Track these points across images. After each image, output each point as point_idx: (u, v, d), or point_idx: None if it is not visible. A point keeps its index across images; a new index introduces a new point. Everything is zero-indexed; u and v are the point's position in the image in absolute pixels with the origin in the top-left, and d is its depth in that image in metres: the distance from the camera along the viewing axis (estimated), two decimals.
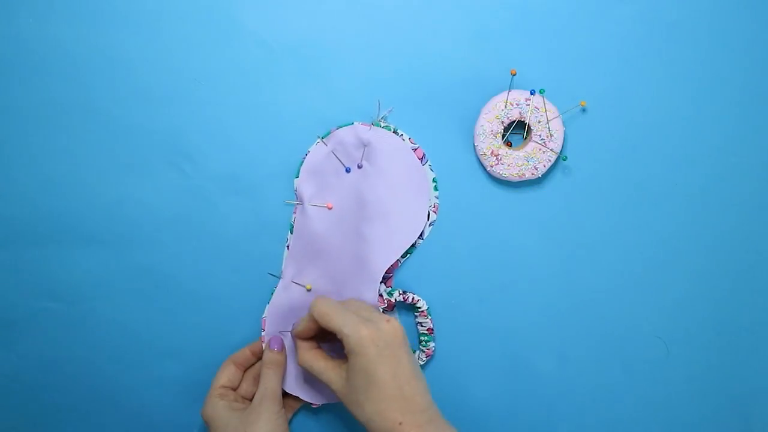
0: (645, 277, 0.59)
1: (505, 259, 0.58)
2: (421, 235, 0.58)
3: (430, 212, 0.58)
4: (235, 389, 0.57)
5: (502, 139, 0.56)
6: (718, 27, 0.56)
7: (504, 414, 0.60)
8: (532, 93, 0.55)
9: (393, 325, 0.50)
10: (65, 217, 0.58)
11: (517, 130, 0.57)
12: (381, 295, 0.56)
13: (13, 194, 0.58)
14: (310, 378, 0.57)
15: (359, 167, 0.56)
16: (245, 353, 0.58)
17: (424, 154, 0.57)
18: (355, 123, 0.56)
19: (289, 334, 0.57)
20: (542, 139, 0.55)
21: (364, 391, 0.48)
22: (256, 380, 0.57)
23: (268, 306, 0.58)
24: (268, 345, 0.56)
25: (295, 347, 0.55)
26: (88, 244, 0.58)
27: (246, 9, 0.56)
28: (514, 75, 0.55)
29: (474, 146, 0.57)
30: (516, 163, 0.56)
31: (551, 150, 0.55)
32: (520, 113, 0.55)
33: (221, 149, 0.58)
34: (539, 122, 0.55)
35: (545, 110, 0.55)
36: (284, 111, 0.57)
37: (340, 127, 0.56)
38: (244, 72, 0.57)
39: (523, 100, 0.55)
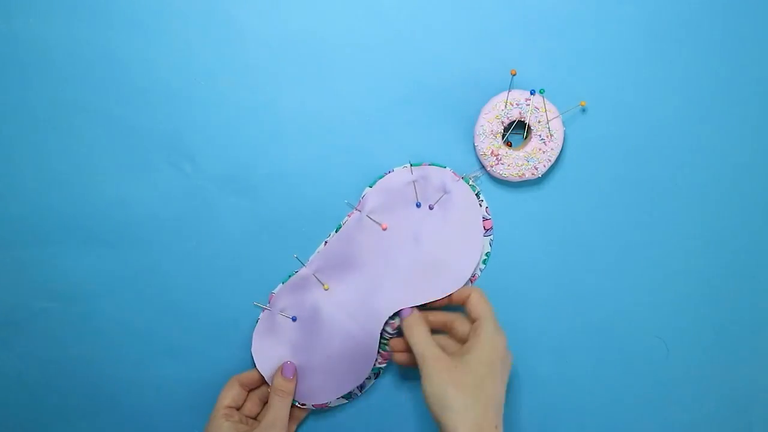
0: (645, 277, 0.59)
1: (505, 259, 0.58)
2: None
3: (469, 280, 0.58)
4: (239, 408, 0.57)
5: (502, 139, 0.56)
6: (718, 27, 0.56)
7: (504, 414, 0.59)
8: (532, 93, 0.55)
9: (504, 338, 0.52)
10: (65, 217, 0.58)
11: (517, 130, 0.57)
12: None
13: (13, 194, 0.58)
14: (321, 382, 0.57)
15: (430, 208, 0.57)
16: (253, 376, 0.57)
17: (491, 228, 0.58)
18: (447, 168, 0.57)
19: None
20: (542, 139, 0.55)
21: (480, 379, 0.48)
22: (261, 400, 0.57)
23: (281, 285, 0.58)
24: (281, 372, 0.56)
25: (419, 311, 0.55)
26: (88, 244, 0.58)
27: (246, 9, 0.56)
28: (514, 75, 0.55)
29: (474, 146, 0.57)
30: (516, 163, 0.56)
31: (552, 150, 0.56)
32: (520, 113, 0.55)
33: (221, 149, 0.58)
34: (539, 122, 0.55)
35: (545, 110, 0.55)
36: (284, 111, 0.57)
37: (433, 164, 0.57)
38: (244, 72, 0.57)
39: (523, 100, 0.55)
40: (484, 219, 0.58)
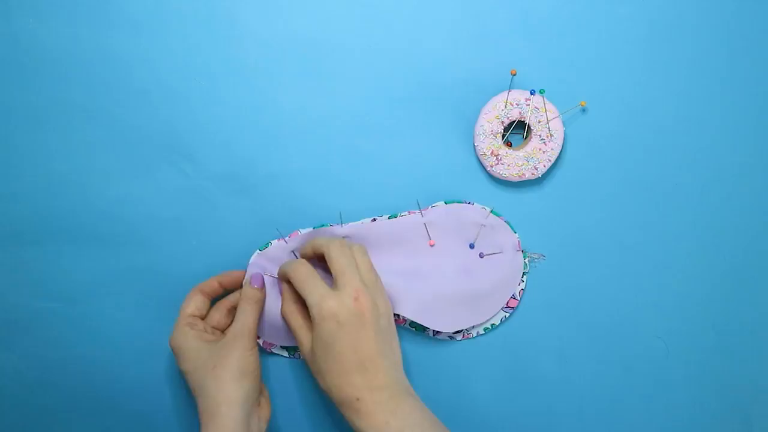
0: (645, 277, 0.59)
1: None
2: None
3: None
4: (203, 318, 0.56)
5: (502, 139, 0.56)
6: (718, 26, 0.56)
7: (504, 414, 0.60)
8: (532, 93, 0.55)
9: (360, 302, 0.49)
10: (65, 217, 0.58)
11: (517, 130, 0.57)
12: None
13: (13, 194, 0.58)
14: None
15: (480, 255, 0.57)
16: (213, 284, 0.56)
17: (514, 307, 0.58)
18: (517, 235, 0.58)
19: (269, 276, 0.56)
20: (542, 139, 0.55)
21: (324, 361, 0.49)
22: (228, 313, 0.57)
23: (311, 229, 0.57)
24: (249, 281, 0.55)
25: (281, 292, 0.55)
26: (88, 244, 0.58)
27: (246, 9, 0.56)
28: (514, 75, 0.55)
29: (474, 146, 0.57)
30: (516, 163, 0.56)
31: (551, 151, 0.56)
32: (520, 113, 0.55)
33: (221, 149, 0.58)
34: (539, 122, 0.55)
35: (545, 110, 0.55)
36: (284, 111, 0.57)
37: (509, 224, 0.58)
38: (244, 72, 0.57)
39: (523, 100, 0.55)
40: (513, 297, 0.58)
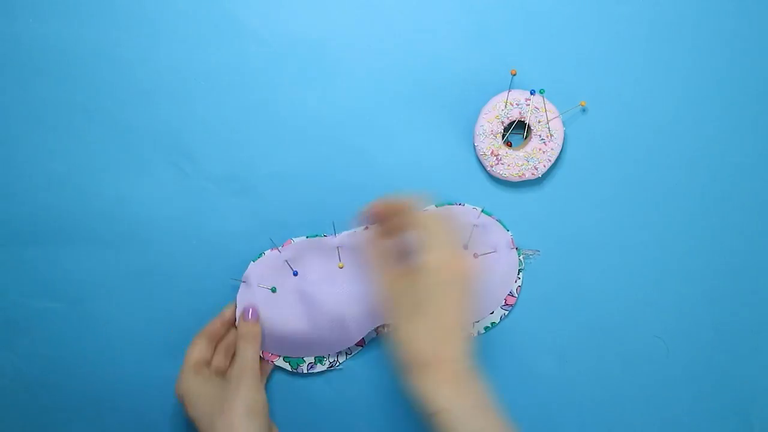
0: (645, 277, 0.59)
1: None
2: None
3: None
4: (208, 363, 0.55)
5: (502, 139, 0.56)
6: (718, 27, 0.56)
7: (503, 413, 0.60)
8: (532, 93, 0.55)
9: (465, 262, 0.48)
10: (65, 217, 0.58)
11: (517, 130, 0.57)
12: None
13: (12, 194, 0.58)
14: (283, 338, 0.56)
15: (474, 256, 0.57)
16: (215, 326, 0.56)
17: (512, 305, 0.58)
18: (510, 233, 0.58)
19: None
20: (542, 139, 0.55)
21: (421, 309, 0.46)
22: (228, 353, 0.56)
23: (304, 238, 0.57)
24: (243, 317, 0.55)
25: (366, 231, 0.53)
26: (88, 244, 0.58)
27: (246, 9, 0.56)
28: (514, 75, 0.55)
29: (474, 146, 0.57)
30: (516, 163, 0.56)
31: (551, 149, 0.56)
32: (520, 113, 0.55)
33: (221, 149, 0.58)
34: (539, 122, 0.55)
35: (545, 110, 0.55)
36: (285, 111, 0.57)
37: (501, 222, 0.57)
38: (244, 72, 0.57)
39: (523, 100, 0.55)
40: (510, 294, 0.58)
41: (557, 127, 0.55)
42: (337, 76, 0.57)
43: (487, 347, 0.59)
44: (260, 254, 0.57)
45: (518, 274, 0.58)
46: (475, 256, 0.57)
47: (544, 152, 0.56)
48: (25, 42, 0.57)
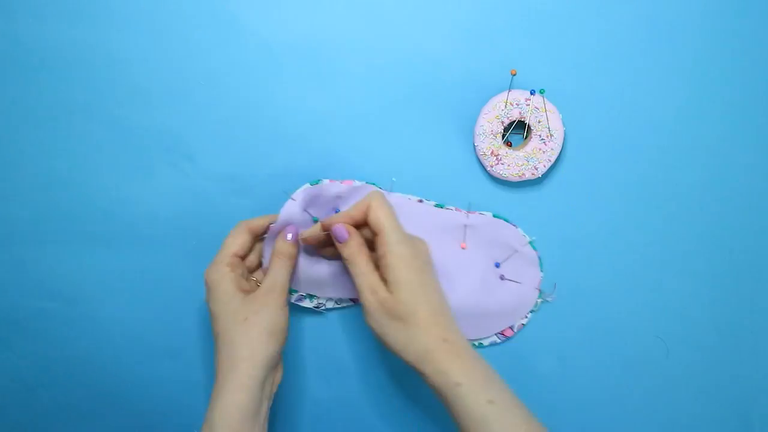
0: (645, 276, 0.59)
1: None
2: None
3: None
4: (243, 257, 0.54)
5: (502, 139, 0.56)
6: (718, 27, 0.56)
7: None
8: (532, 93, 0.55)
9: (423, 242, 0.49)
10: (65, 216, 0.58)
11: (517, 130, 0.57)
12: None
13: (13, 194, 0.58)
14: (318, 277, 0.56)
15: (501, 278, 0.57)
16: (261, 222, 0.54)
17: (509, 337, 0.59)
18: (542, 274, 0.58)
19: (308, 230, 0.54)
20: (542, 139, 0.55)
21: (411, 301, 0.47)
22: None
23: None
24: (283, 235, 0.53)
25: (338, 231, 0.51)
26: (88, 244, 0.58)
27: (246, 9, 0.56)
28: (514, 75, 0.55)
29: (474, 146, 0.57)
30: (516, 163, 0.56)
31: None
32: (520, 113, 0.55)
33: (221, 149, 0.58)
34: (539, 122, 0.55)
35: (545, 110, 0.55)
36: (284, 111, 0.57)
37: (540, 262, 0.58)
38: (244, 72, 0.57)
39: (523, 100, 0.55)
40: (510, 328, 0.58)
41: (557, 127, 0.55)
42: (337, 76, 0.57)
43: (487, 347, 0.59)
44: (318, 180, 0.55)
45: (528, 313, 0.58)
46: (502, 278, 0.57)
47: (544, 152, 0.56)
48: (25, 42, 0.57)
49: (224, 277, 0.51)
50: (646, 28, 0.56)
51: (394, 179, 0.57)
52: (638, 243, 0.58)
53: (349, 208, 0.51)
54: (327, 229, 0.52)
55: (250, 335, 0.49)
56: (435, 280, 0.49)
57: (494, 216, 0.57)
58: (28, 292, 0.59)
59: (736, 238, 0.58)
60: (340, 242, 0.50)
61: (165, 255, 0.58)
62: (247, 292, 0.51)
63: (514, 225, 0.58)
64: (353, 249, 0.50)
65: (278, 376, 0.52)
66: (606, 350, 0.59)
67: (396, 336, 0.48)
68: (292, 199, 0.54)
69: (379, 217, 0.49)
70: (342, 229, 0.50)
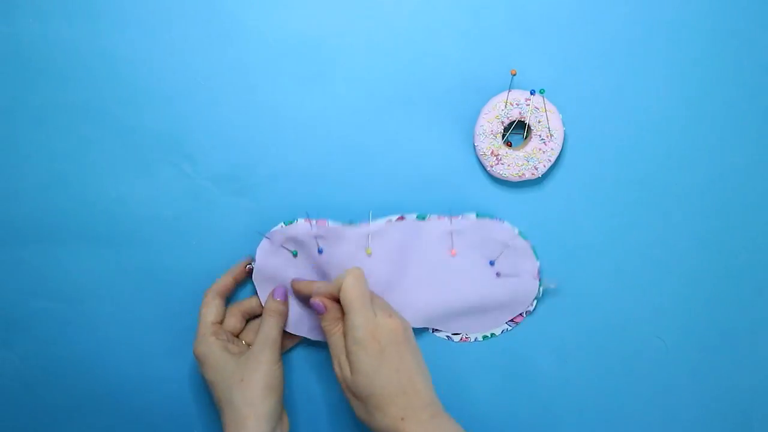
0: (645, 276, 0.59)
1: None
2: None
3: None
4: (221, 323, 0.55)
5: (502, 139, 0.56)
6: (718, 27, 0.56)
7: (504, 414, 0.60)
8: (532, 93, 0.55)
9: (395, 320, 0.50)
10: (65, 217, 0.58)
11: (517, 130, 0.57)
12: None
13: (12, 194, 0.58)
14: (310, 315, 0.57)
15: (497, 275, 0.57)
16: (227, 282, 0.56)
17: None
18: (538, 262, 0.58)
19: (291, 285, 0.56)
20: (542, 139, 0.56)
21: (367, 385, 0.48)
22: (242, 317, 0.57)
23: (332, 221, 0.56)
24: (272, 294, 0.55)
25: (316, 305, 0.52)
26: (88, 243, 0.58)
27: (246, 9, 0.56)
28: (514, 75, 0.55)
29: (474, 146, 0.57)
30: (516, 163, 0.56)
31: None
32: (520, 113, 0.55)
33: (221, 149, 0.58)
34: (539, 122, 0.55)
35: (545, 110, 0.55)
36: (284, 111, 0.57)
37: (535, 252, 0.58)
38: (244, 72, 0.57)
39: (523, 100, 0.55)
40: (519, 314, 0.59)
41: (557, 127, 0.55)
42: (337, 75, 0.57)
43: (488, 347, 0.59)
44: (293, 220, 0.56)
45: (533, 302, 0.58)
46: (499, 275, 0.57)
47: (544, 152, 0.56)
48: (25, 42, 0.57)
49: (212, 347, 0.53)
50: (646, 28, 0.56)
51: (370, 212, 0.56)
52: (638, 243, 0.58)
53: (329, 283, 0.53)
54: (305, 296, 0.54)
55: (249, 394, 0.51)
56: (398, 359, 0.49)
57: (478, 216, 0.57)
58: (28, 292, 0.59)
59: (736, 238, 0.58)
60: (318, 314, 0.52)
61: (165, 255, 0.58)
62: (236, 354, 0.53)
63: (500, 220, 0.57)
64: (328, 323, 0.52)
65: (285, 427, 0.53)
66: (606, 350, 0.59)
67: (359, 411, 0.50)
68: (267, 237, 0.56)
69: (346, 299, 0.50)
70: (319, 304, 0.52)
